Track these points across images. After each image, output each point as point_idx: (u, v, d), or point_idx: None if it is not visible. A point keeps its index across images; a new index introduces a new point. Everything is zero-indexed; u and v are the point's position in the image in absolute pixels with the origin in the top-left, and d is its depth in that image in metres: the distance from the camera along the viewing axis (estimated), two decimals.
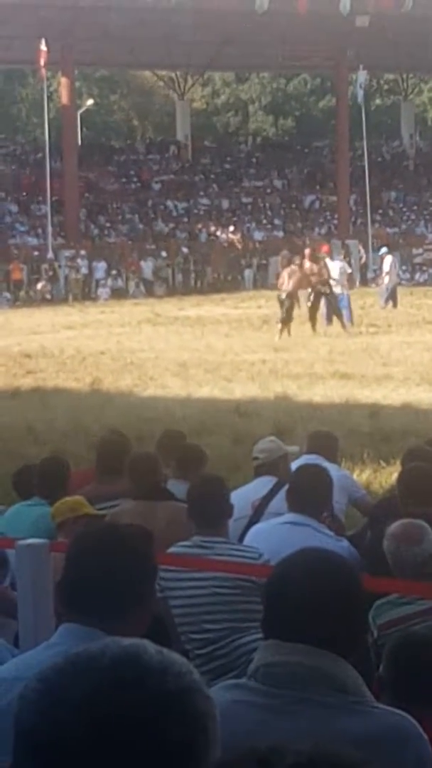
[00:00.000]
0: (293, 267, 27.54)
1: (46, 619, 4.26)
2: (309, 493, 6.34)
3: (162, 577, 5.17)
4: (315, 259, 27.88)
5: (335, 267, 28.56)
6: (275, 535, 6.10)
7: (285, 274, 27.62)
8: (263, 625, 2.89)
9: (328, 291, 26.91)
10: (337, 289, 27.65)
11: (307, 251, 28.69)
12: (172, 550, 5.79)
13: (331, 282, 27.36)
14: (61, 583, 3.21)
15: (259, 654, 2.84)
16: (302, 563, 2.90)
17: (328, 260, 28.92)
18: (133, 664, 1.62)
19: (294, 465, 7.44)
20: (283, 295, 26.75)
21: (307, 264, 27.42)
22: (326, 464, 8.28)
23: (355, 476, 9.86)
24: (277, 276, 34.10)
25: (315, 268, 27.46)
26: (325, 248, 31.11)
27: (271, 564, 4.31)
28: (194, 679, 1.64)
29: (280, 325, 26.26)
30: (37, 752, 1.57)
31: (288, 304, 26.41)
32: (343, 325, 26.82)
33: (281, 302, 26.77)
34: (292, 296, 26.56)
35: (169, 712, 1.58)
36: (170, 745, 1.56)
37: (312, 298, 26.82)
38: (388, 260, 35.77)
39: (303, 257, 28.03)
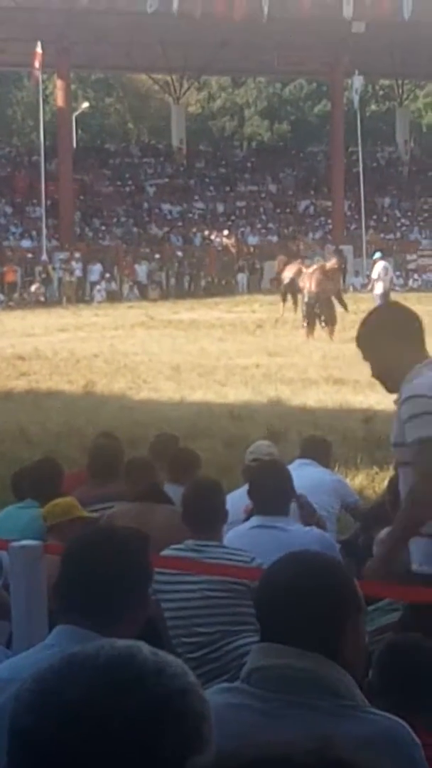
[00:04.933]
0: (316, 267, 27.59)
1: (40, 620, 4.27)
2: (270, 492, 6.36)
3: (155, 580, 5.17)
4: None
5: None
6: (244, 540, 6.11)
7: (308, 276, 27.57)
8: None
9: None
10: None
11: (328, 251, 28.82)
12: (164, 552, 5.79)
13: None
14: (57, 584, 3.21)
15: (250, 657, 2.84)
16: (290, 566, 2.91)
17: None
18: (128, 665, 1.62)
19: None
20: (307, 298, 26.68)
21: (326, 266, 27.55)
22: (320, 469, 8.29)
23: (348, 481, 9.85)
24: (272, 281, 34.11)
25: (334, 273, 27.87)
26: None
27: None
28: (189, 681, 1.65)
29: (325, 326, 26.26)
30: (31, 753, 1.57)
31: (321, 306, 26.34)
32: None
33: (309, 305, 26.61)
34: (319, 298, 26.47)
35: (164, 713, 1.58)
36: (165, 745, 1.57)
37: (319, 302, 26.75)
38: (378, 266, 35.56)
39: (324, 265, 28.07)
